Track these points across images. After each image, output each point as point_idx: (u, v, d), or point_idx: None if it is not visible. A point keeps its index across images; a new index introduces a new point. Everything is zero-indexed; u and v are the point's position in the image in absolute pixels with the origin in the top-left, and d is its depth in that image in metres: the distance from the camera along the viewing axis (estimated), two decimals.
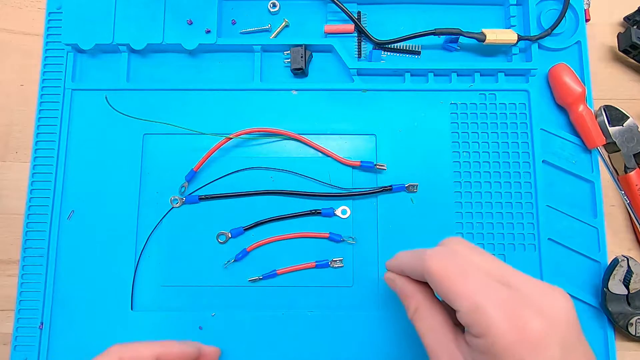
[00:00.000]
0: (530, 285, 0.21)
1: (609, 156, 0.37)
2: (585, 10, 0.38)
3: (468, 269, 0.21)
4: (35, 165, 0.36)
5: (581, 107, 0.35)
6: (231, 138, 0.35)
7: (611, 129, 0.36)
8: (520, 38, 0.36)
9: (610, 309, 0.33)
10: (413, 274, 0.24)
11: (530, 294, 0.20)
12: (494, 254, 0.35)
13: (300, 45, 0.36)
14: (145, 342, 0.28)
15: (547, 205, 0.36)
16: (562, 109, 0.37)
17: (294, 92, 0.37)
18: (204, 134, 0.36)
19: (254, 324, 0.34)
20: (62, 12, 0.37)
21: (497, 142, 0.37)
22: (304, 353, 0.34)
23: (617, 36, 0.37)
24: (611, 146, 0.37)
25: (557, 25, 0.36)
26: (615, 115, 0.37)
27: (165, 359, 0.27)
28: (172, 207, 0.36)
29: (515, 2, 0.38)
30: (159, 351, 0.27)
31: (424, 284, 0.24)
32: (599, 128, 0.36)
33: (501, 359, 0.19)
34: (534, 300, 0.20)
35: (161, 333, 0.34)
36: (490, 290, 0.20)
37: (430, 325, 0.23)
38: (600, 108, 0.37)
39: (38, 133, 0.37)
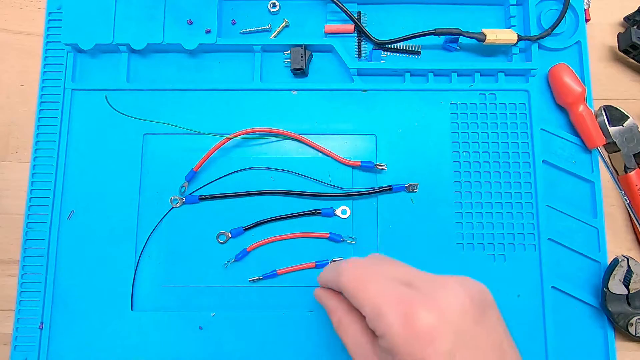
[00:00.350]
0: (429, 282, 0.22)
1: (609, 156, 0.37)
2: (585, 10, 0.38)
3: (372, 277, 0.22)
4: (35, 165, 0.36)
5: (581, 107, 0.35)
6: (231, 138, 0.35)
7: (611, 129, 0.36)
8: (520, 38, 0.36)
9: (610, 309, 0.33)
10: (333, 287, 0.25)
11: (427, 291, 0.21)
12: (493, 255, 0.35)
13: (300, 45, 0.36)
14: None
15: (547, 205, 0.36)
16: (562, 109, 0.37)
17: (294, 92, 0.37)
18: (204, 134, 0.36)
19: (254, 324, 0.34)
20: (62, 12, 0.37)
21: (497, 142, 0.36)
22: (303, 353, 0.34)
23: (617, 36, 0.37)
24: (611, 146, 0.37)
25: (557, 25, 0.36)
26: (615, 115, 0.37)
27: None
28: (172, 207, 0.36)
29: (515, 2, 0.38)
30: None
31: (345, 300, 0.25)
32: (599, 128, 0.36)
33: (399, 356, 0.20)
34: (429, 296, 0.21)
35: (161, 333, 0.34)
36: (390, 292, 0.21)
37: (351, 335, 0.24)
38: (600, 108, 0.37)
39: (38, 133, 0.37)
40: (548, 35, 0.36)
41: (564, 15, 0.37)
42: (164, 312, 0.34)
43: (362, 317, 0.24)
